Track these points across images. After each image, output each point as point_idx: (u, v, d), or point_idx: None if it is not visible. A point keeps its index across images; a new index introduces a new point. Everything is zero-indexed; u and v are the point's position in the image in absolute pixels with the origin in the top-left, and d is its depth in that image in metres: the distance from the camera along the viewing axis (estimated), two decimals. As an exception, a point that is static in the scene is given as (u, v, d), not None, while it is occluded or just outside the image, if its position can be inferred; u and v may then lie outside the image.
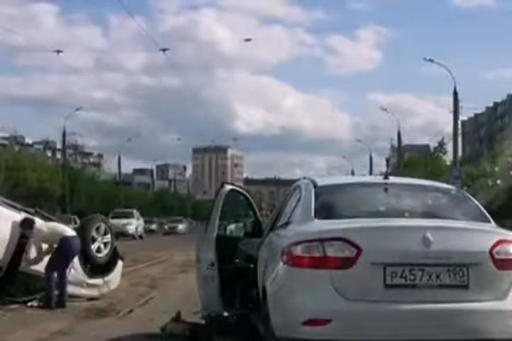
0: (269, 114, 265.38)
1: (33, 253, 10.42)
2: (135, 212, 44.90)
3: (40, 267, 10.42)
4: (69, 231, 10.74)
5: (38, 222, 10.57)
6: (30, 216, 10.69)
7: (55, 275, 10.39)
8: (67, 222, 11.15)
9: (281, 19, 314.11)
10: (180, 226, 61.56)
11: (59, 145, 66.42)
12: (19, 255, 10.33)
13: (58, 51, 40.79)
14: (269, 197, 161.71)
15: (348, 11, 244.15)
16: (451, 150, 39.06)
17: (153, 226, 58.46)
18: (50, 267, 10.37)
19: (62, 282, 10.41)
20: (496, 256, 5.36)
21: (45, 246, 10.46)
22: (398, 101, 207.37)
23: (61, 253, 10.48)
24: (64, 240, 10.49)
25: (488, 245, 5.37)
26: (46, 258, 10.43)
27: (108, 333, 8.29)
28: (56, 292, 10.38)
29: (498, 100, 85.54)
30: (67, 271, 10.60)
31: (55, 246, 10.47)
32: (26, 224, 10.42)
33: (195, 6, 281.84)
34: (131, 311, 10.14)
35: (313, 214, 5.84)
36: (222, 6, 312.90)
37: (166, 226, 61.59)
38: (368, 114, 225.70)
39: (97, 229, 11.80)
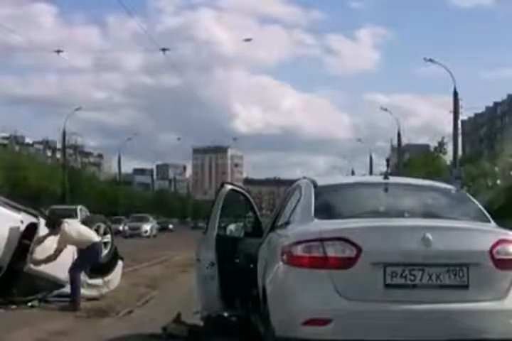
0: (268, 114, 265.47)
1: (39, 254, 10.40)
2: (80, 208, 34.89)
3: (45, 268, 10.41)
4: (96, 237, 10.84)
5: (67, 224, 10.57)
6: (35, 219, 10.68)
7: (64, 276, 10.44)
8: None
9: (280, 19, 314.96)
10: (146, 227, 46.38)
11: (59, 145, 66.56)
12: (21, 256, 10.32)
13: (58, 51, 40.77)
14: (269, 197, 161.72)
15: (347, 11, 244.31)
16: (451, 150, 39.11)
17: (121, 227, 45.56)
18: (76, 270, 10.42)
19: (77, 286, 10.43)
20: (496, 256, 5.36)
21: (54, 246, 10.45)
22: (398, 101, 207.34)
23: (87, 257, 10.55)
24: (93, 246, 10.58)
25: (489, 245, 5.37)
26: (58, 260, 10.42)
27: (108, 333, 8.30)
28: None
29: (498, 100, 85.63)
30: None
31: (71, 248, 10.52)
32: (51, 224, 10.45)
33: (194, 5, 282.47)
34: (131, 311, 10.15)
35: (313, 214, 5.84)
36: (221, 6, 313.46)
37: (126, 227, 46.15)
38: (367, 114, 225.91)
39: (97, 229, 11.79)
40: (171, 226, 67.67)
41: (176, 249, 24.30)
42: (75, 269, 10.41)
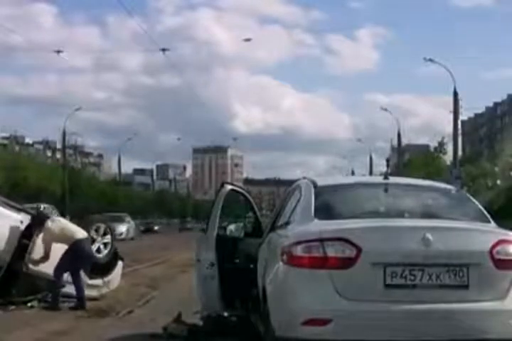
0: (268, 114, 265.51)
1: (37, 253, 10.39)
2: (44, 207, 29.58)
3: (44, 268, 10.40)
4: (81, 234, 10.75)
5: (50, 222, 10.56)
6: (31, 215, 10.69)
7: (65, 276, 10.41)
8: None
9: (280, 19, 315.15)
10: (121, 229, 38.02)
11: (59, 145, 66.58)
12: (20, 256, 10.32)
13: (58, 51, 40.79)
14: (269, 197, 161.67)
15: (347, 11, 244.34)
16: (451, 150, 39.12)
17: None
18: (59, 268, 10.36)
19: (78, 285, 10.41)
20: (496, 256, 5.36)
21: (53, 246, 10.43)
22: (398, 101, 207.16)
23: (72, 255, 10.50)
24: (76, 243, 10.53)
25: (489, 245, 5.37)
26: (52, 259, 10.40)
27: (108, 333, 8.30)
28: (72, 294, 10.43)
29: (498, 100, 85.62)
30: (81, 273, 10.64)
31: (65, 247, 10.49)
32: (37, 221, 10.43)
33: (194, 5, 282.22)
34: (131, 311, 10.14)
35: (313, 214, 5.84)
36: (221, 6, 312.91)
37: None
38: (367, 114, 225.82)
39: (97, 229, 11.79)
40: (156, 227, 62.07)
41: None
42: (57, 268, 10.32)
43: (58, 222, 10.80)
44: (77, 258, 10.59)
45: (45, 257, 10.34)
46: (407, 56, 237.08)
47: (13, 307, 10.08)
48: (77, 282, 10.41)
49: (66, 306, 10.33)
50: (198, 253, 7.83)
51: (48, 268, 10.40)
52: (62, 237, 10.46)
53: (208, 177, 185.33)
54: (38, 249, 10.41)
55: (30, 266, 10.35)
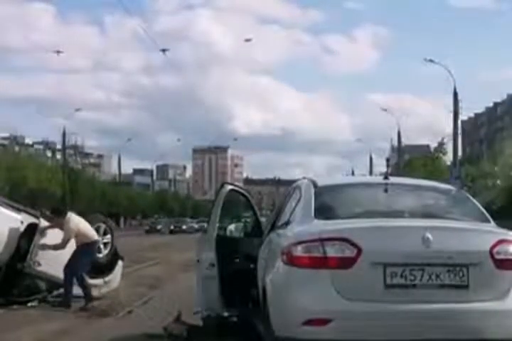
0: (268, 114, 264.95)
1: (39, 253, 10.39)
2: None
3: (44, 268, 10.40)
4: (96, 236, 10.85)
5: (72, 214, 10.63)
6: (35, 219, 10.70)
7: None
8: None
9: (279, 19, 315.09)
10: None
11: (59, 146, 66.53)
12: (21, 256, 10.32)
13: (58, 51, 40.96)
14: (269, 197, 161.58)
15: (346, 11, 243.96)
16: (451, 150, 39.15)
17: None
18: (70, 268, 10.37)
19: (70, 284, 10.42)
20: (496, 256, 5.37)
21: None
22: (398, 101, 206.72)
23: (83, 255, 10.52)
24: (93, 243, 10.59)
25: (489, 245, 5.38)
26: (52, 259, 10.40)
27: (108, 333, 8.30)
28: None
29: (498, 100, 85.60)
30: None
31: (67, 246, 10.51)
32: (57, 213, 10.58)
33: (192, 6, 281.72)
34: (131, 311, 10.14)
35: (313, 214, 5.84)
36: (219, 6, 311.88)
37: None
38: (367, 114, 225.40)
39: (97, 229, 11.78)
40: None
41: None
42: (69, 267, 10.34)
43: (77, 218, 10.84)
44: (86, 259, 10.66)
45: (61, 247, 10.32)
46: (407, 56, 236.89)
47: (13, 306, 10.08)
48: (70, 281, 10.41)
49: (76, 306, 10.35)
50: (198, 253, 7.83)
51: (50, 268, 10.41)
52: (79, 233, 10.47)
53: (208, 177, 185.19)
54: (40, 249, 10.41)
55: (32, 266, 10.35)
